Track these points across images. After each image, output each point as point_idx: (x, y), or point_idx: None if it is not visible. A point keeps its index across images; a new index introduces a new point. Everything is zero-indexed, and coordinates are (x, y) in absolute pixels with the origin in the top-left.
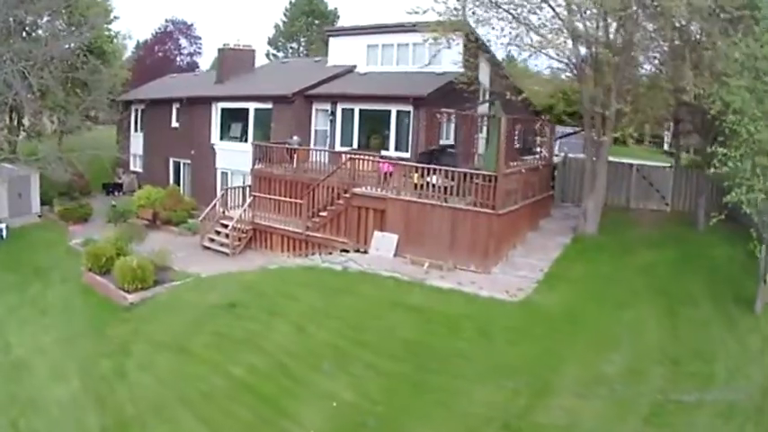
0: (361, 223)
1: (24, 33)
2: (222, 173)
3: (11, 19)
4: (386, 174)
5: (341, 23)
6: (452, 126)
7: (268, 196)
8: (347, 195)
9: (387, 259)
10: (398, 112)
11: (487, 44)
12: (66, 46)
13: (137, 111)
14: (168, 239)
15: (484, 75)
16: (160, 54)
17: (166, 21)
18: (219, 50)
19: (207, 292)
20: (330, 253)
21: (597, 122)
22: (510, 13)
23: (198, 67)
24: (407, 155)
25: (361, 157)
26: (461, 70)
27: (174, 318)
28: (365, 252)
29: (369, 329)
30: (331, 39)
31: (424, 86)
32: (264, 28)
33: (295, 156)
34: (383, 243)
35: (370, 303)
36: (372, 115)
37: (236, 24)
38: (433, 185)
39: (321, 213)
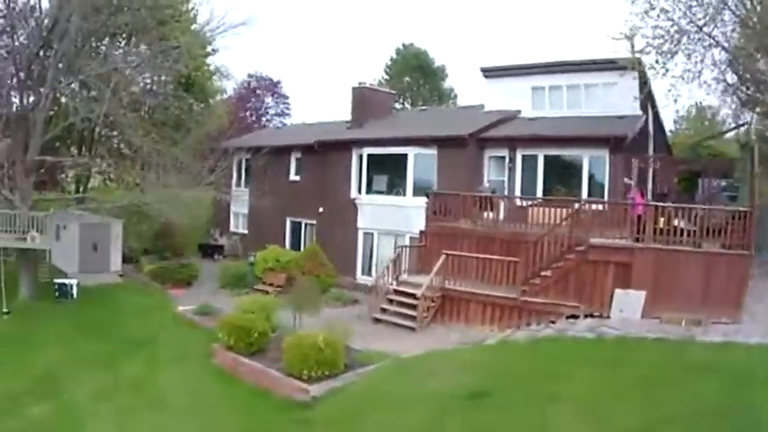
0: (597, 281)
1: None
2: (365, 234)
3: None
4: (638, 217)
5: (494, 63)
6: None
7: (469, 254)
8: (580, 249)
9: (634, 321)
10: (591, 157)
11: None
12: (155, 78)
13: (239, 162)
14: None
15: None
16: (244, 113)
17: (249, 76)
18: (354, 89)
19: (423, 379)
20: (553, 322)
21: None
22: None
23: None
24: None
25: (598, 201)
26: (639, 113)
27: (391, 418)
28: (600, 316)
29: (675, 400)
30: (488, 80)
31: (616, 129)
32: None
33: (487, 206)
34: (627, 303)
35: (659, 371)
36: (557, 163)
37: (327, 85)
38: (682, 230)
39: (543, 273)
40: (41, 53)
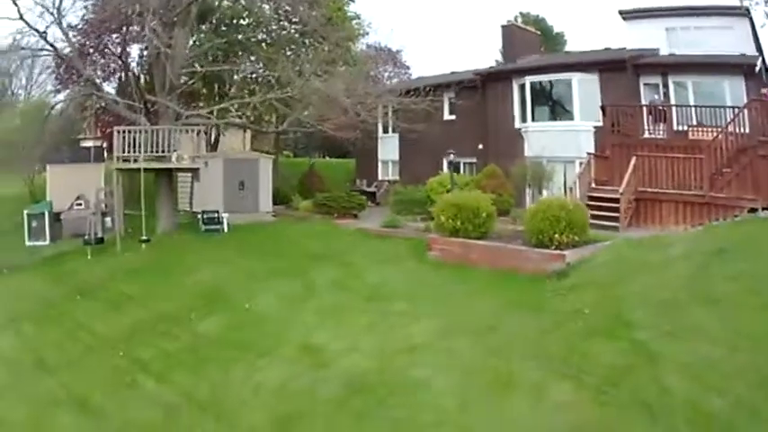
0: None
1: None
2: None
3: None
4: None
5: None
6: None
7: (658, 154)
8: (754, 144)
9: None
10: (729, 84)
11: None
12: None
13: (384, 108)
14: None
15: None
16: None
17: (368, 46)
18: (504, 27)
19: (661, 249)
20: (736, 215)
21: None
22: None
23: None
24: None
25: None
26: (755, 54)
27: (654, 277)
28: None
29: None
30: (626, 22)
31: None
32: (481, 59)
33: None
34: None
35: None
36: (703, 89)
37: (444, 58)
38: None
39: (724, 170)
40: None
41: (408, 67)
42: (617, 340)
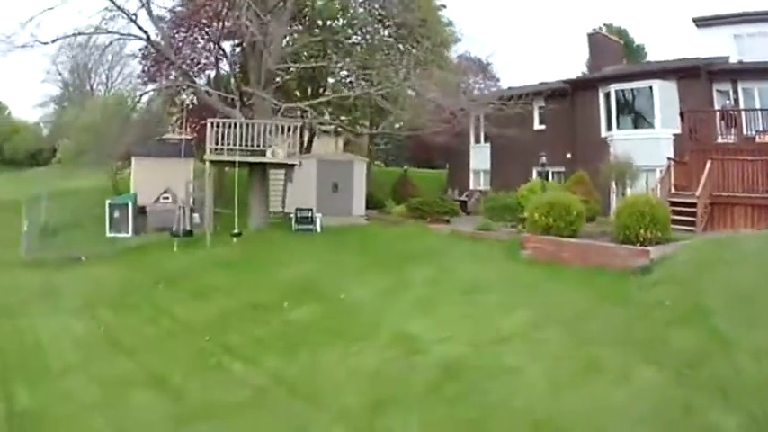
0: None
1: None
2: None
3: None
4: None
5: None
6: None
7: (733, 157)
8: None
9: None
10: None
11: None
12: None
13: (476, 118)
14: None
15: None
16: None
17: (457, 57)
18: (590, 36)
19: (742, 247)
20: None
21: None
22: None
23: None
24: None
25: None
26: None
27: (736, 271)
28: None
29: None
30: (699, 30)
31: None
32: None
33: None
34: None
35: None
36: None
37: (532, 68)
38: None
39: None
40: None
41: (498, 79)
42: (696, 328)
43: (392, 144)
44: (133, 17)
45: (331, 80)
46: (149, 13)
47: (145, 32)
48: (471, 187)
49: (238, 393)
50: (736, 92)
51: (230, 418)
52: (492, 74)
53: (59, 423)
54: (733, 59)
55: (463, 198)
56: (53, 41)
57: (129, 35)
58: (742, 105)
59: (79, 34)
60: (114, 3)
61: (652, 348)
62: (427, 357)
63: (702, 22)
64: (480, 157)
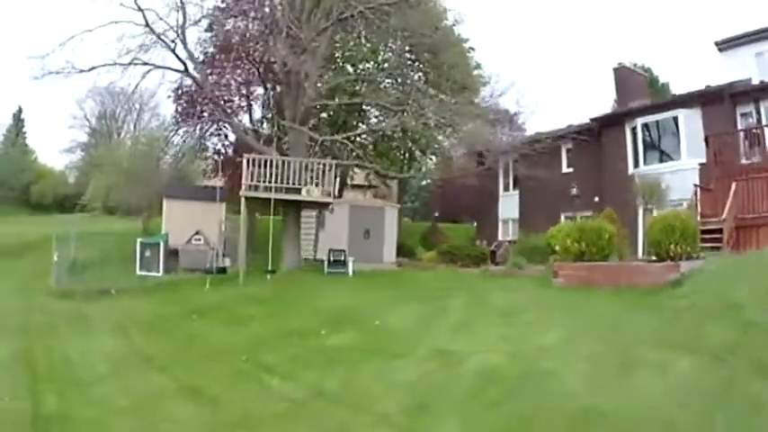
0: None
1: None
2: (645, 210)
3: None
4: None
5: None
6: None
7: (757, 176)
8: None
9: None
10: None
11: None
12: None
13: (506, 165)
14: None
15: None
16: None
17: (484, 103)
18: (616, 70)
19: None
20: None
21: None
22: None
23: None
24: None
25: None
26: None
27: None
28: None
29: None
30: (722, 53)
31: None
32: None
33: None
34: None
35: None
36: None
37: (556, 110)
38: None
39: None
40: None
41: (524, 129)
42: (731, 322)
43: (419, 201)
44: (172, 44)
45: (363, 125)
46: (184, 45)
47: (183, 62)
48: (500, 237)
49: (277, 405)
50: (758, 111)
51: (269, 427)
52: (519, 124)
53: (86, 425)
54: (755, 80)
55: (492, 248)
56: (89, 70)
57: (166, 67)
58: (765, 122)
59: (116, 64)
60: (152, 30)
61: (687, 343)
62: (466, 367)
63: (724, 45)
64: (509, 205)
